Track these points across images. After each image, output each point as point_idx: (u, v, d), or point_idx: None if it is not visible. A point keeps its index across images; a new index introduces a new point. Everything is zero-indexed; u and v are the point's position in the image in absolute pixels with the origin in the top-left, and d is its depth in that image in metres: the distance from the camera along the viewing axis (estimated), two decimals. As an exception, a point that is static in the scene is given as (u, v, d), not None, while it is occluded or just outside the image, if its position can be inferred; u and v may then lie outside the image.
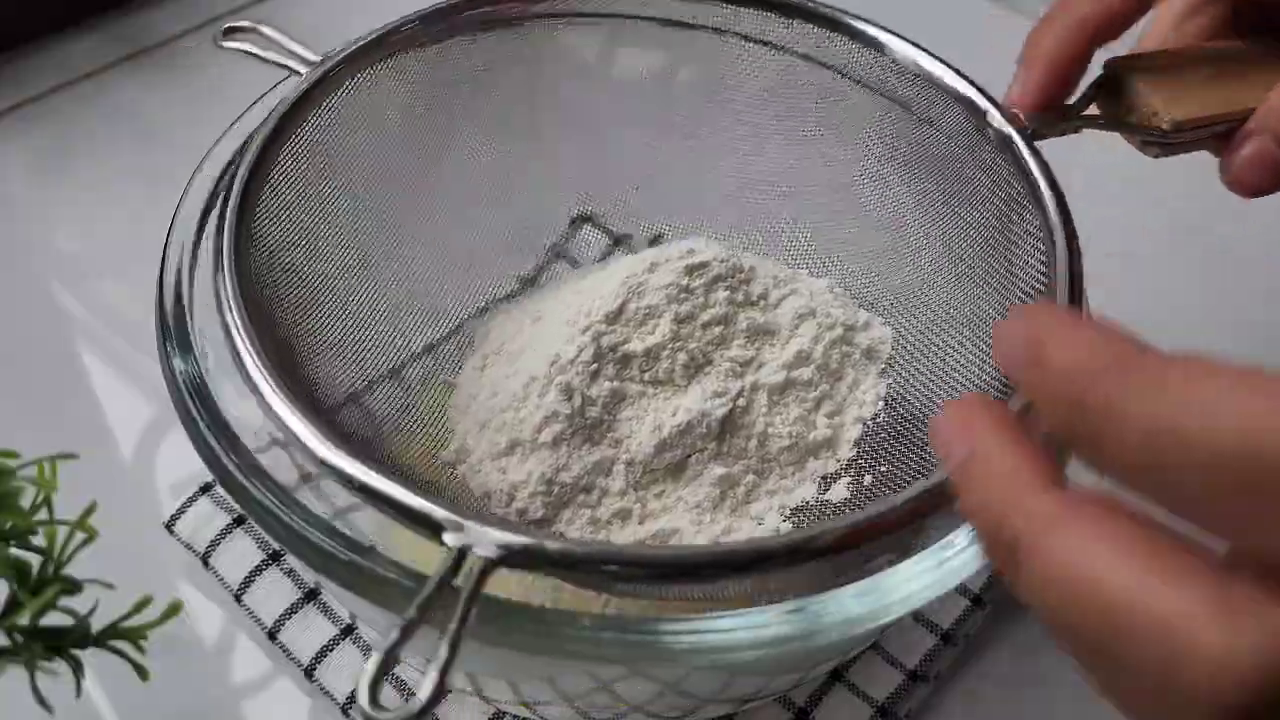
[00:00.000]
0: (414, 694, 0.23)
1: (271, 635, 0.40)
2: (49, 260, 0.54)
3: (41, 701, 0.29)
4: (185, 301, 0.34)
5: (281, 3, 0.66)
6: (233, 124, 0.38)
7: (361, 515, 0.41)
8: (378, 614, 0.31)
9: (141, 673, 0.30)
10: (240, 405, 0.34)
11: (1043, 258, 0.34)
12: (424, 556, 0.38)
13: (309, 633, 0.40)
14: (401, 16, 0.39)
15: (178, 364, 0.33)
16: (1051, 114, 0.36)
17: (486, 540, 0.25)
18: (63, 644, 0.29)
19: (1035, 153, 0.36)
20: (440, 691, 0.23)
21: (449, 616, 0.24)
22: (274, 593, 0.41)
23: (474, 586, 0.25)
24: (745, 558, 0.27)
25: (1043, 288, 0.34)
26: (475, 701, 0.39)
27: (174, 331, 0.34)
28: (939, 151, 0.39)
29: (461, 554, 0.25)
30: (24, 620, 0.28)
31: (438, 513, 0.26)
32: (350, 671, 0.39)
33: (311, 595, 0.41)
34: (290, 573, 0.41)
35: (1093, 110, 0.37)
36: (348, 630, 0.40)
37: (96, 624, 0.30)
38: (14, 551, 0.29)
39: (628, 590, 0.31)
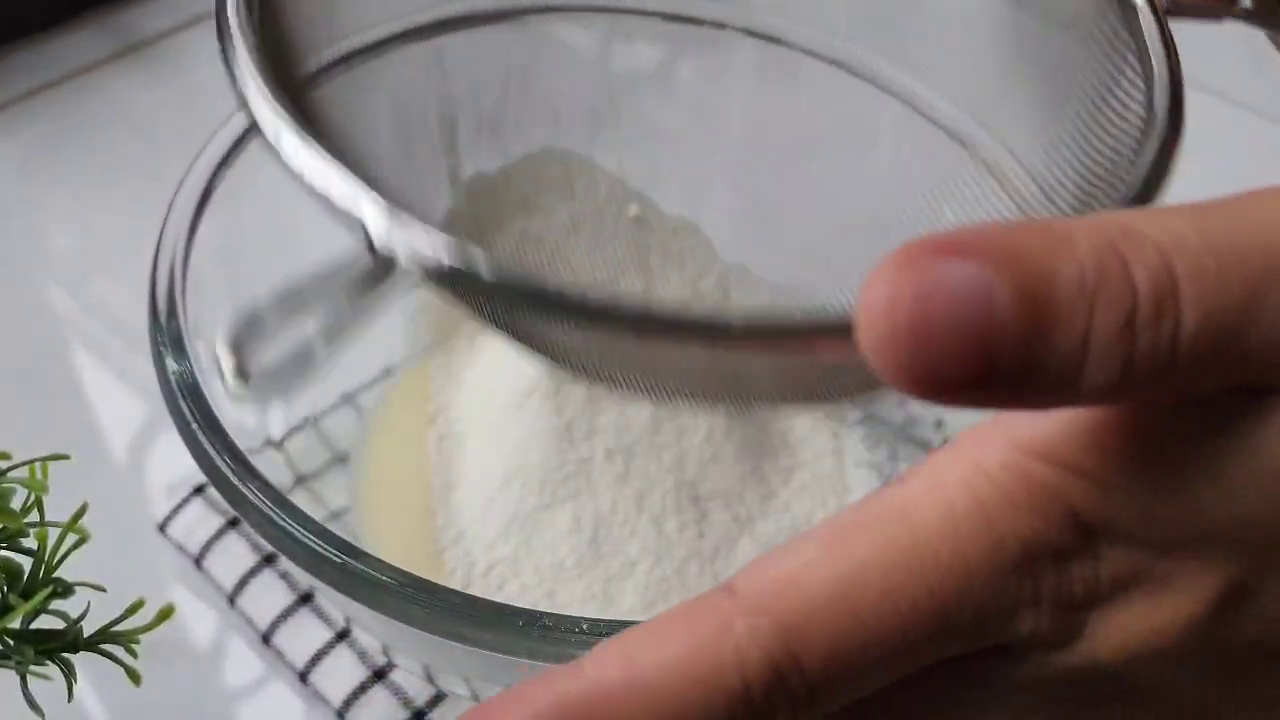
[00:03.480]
0: (411, 700, 0.23)
1: (265, 639, 0.40)
2: (40, 258, 0.53)
3: (33, 705, 0.29)
4: (178, 300, 0.34)
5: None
6: (226, 121, 0.38)
7: (355, 516, 0.41)
8: (370, 617, 0.30)
9: (134, 677, 0.30)
10: (234, 407, 0.34)
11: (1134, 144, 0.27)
12: (410, 557, 0.38)
13: (303, 636, 0.40)
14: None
15: (171, 364, 0.33)
16: None
17: (411, 245, 0.21)
18: (54, 648, 0.29)
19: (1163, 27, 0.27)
20: (307, 359, 0.20)
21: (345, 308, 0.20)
22: (268, 596, 0.40)
23: (376, 275, 0.21)
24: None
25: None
26: (472, 705, 0.38)
27: (167, 331, 0.33)
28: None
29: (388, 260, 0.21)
30: (15, 624, 0.28)
31: (366, 202, 0.21)
32: (346, 676, 0.39)
33: (306, 599, 0.40)
34: (285, 576, 0.41)
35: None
36: (343, 634, 0.40)
37: (88, 627, 0.30)
38: (5, 554, 0.29)
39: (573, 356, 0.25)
